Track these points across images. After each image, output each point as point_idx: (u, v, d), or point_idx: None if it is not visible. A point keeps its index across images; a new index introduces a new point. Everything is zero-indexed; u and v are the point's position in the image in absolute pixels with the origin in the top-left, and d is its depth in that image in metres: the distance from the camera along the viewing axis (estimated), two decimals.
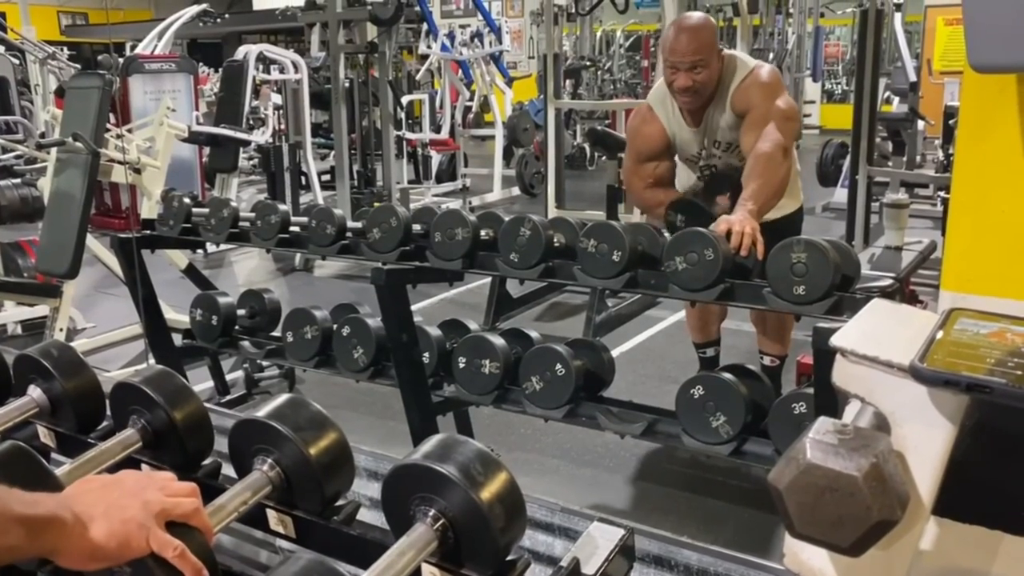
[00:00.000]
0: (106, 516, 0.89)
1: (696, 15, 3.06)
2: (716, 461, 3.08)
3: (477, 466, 1.04)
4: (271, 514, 1.19)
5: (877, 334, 0.88)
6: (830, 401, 0.95)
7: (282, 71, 7.66)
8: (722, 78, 2.93)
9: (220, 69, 8.70)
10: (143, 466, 1.29)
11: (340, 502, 1.19)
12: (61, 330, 4.44)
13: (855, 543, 0.74)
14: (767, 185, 2.70)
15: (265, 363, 3.97)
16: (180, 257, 4.62)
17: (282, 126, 7.77)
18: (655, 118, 3.08)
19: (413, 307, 2.87)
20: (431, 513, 1.04)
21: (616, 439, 2.85)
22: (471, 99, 10.60)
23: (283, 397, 1.23)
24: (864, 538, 0.74)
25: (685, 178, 3.26)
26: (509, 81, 10.82)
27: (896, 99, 8.12)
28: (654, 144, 3.10)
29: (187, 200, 3.37)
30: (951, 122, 6.88)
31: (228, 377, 4.02)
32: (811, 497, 0.75)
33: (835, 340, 0.87)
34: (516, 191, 9.89)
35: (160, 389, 1.27)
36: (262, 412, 1.18)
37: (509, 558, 1.07)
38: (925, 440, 0.82)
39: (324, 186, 8.00)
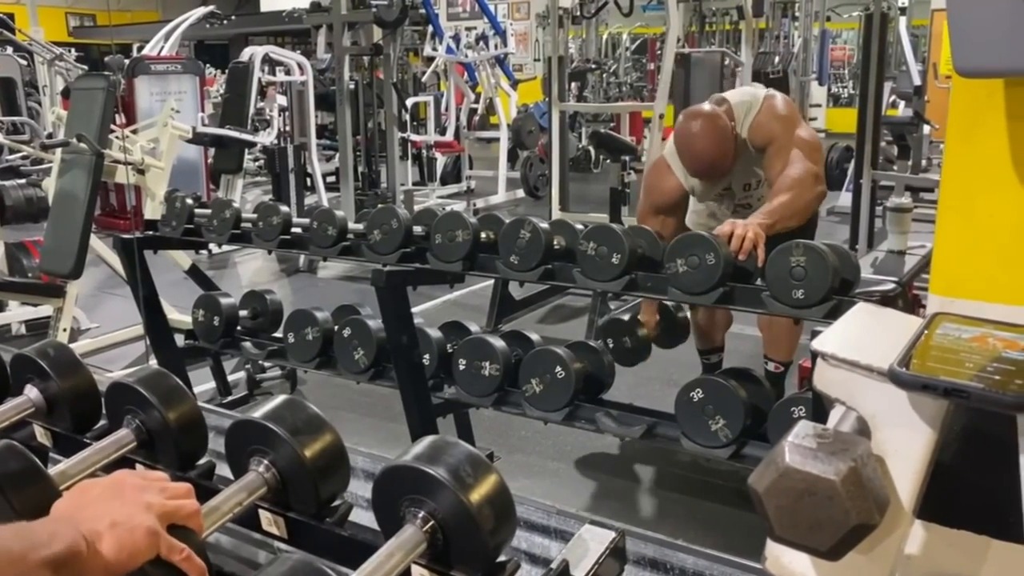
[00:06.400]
0: (113, 529, 0.88)
1: (704, 114, 2.91)
2: (716, 464, 3.08)
3: (467, 468, 1.05)
4: (263, 515, 1.20)
5: (858, 338, 0.88)
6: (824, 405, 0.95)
7: (287, 73, 7.69)
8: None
9: (226, 70, 8.72)
10: (137, 466, 1.30)
11: (335, 503, 1.20)
12: (64, 330, 4.45)
13: (834, 547, 0.74)
14: (790, 205, 2.70)
15: (267, 364, 3.98)
16: (183, 258, 4.63)
17: (287, 128, 7.79)
18: (671, 174, 3.09)
19: (416, 309, 2.88)
20: (421, 515, 1.04)
21: (616, 442, 2.85)
22: (476, 101, 10.61)
23: (280, 398, 1.23)
24: (843, 542, 0.74)
25: (702, 219, 3.28)
26: (514, 84, 10.82)
27: (901, 103, 8.09)
28: (670, 199, 3.13)
29: (189, 201, 3.38)
30: None
31: (230, 378, 4.03)
32: (790, 501, 0.75)
33: (816, 344, 0.87)
34: (521, 193, 9.90)
35: (154, 389, 1.28)
36: (258, 413, 1.18)
37: (500, 560, 1.07)
38: (905, 444, 0.82)
39: (329, 187, 8.03)
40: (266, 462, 1.17)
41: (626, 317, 3.31)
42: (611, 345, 3.17)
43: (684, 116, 3.02)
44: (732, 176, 3.04)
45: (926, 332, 0.86)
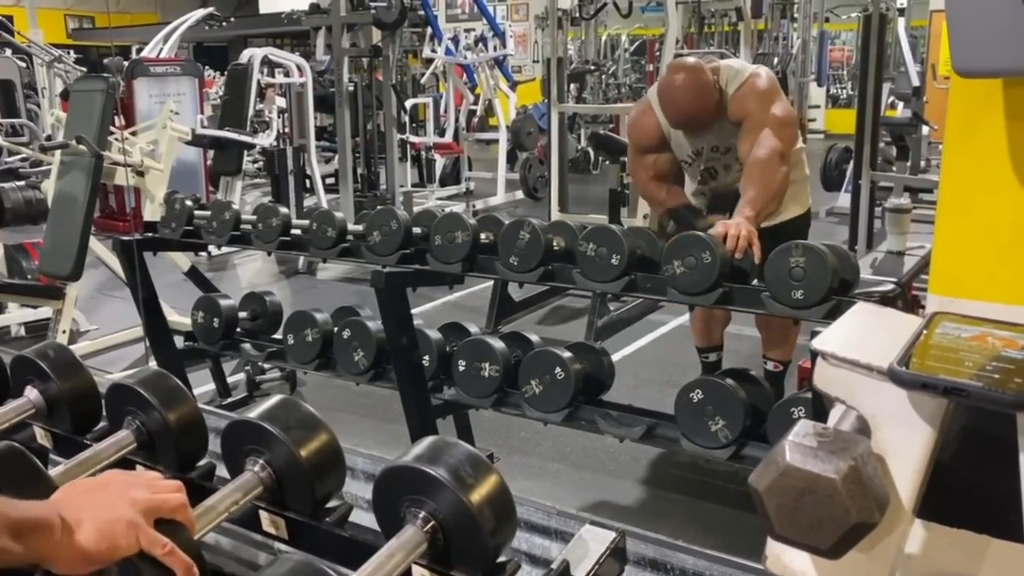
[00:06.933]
0: (94, 519, 0.89)
1: (688, 67, 2.93)
2: (716, 465, 3.08)
3: (467, 468, 1.05)
4: (263, 515, 1.20)
5: (858, 338, 0.88)
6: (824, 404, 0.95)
7: (287, 74, 7.69)
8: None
9: (225, 72, 8.72)
10: (137, 467, 1.30)
11: (334, 503, 1.20)
12: (64, 332, 4.45)
13: (834, 545, 0.74)
14: (764, 191, 2.75)
15: (266, 365, 3.98)
16: (183, 259, 4.63)
17: (286, 129, 7.79)
18: (652, 114, 3.10)
19: (415, 310, 2.87)
20: (421, 515, 1.04)
21: (616, 443, 2.85)
22: (475, 103, 10.61)
23: (275, 398, 1.23)
24: (843, 540, 0.74)
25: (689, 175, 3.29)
26: (513, 85, 10.82)
27: (900, 104, 8.09)
28: (651, 136, 3.13)
29: (189, 203, 3.38)
30: None
31: (230, 380, 4.03)
32: (790, 499, 0.75)
33: (816, 344, 0.87)
34: (520, 195, 9.90)
35: (155, 390, 1.28)
36: (254, 413, 1.19)
37: (500, 560, 1.07)
38: (905, 443, 0.82)
39: (328, 189, 8.03)
40: (262, 462, 1.17)
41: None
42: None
43: (669, 68, 3.06)
44: (709, 134, 3.04)
45: (925, 331, 0.86)
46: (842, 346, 0.87)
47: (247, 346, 3.41)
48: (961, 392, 0.75)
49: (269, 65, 7.84)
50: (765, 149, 2.80)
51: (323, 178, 7.98)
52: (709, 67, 2.93)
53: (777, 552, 0.87)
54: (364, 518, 1.24)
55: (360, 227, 2.93)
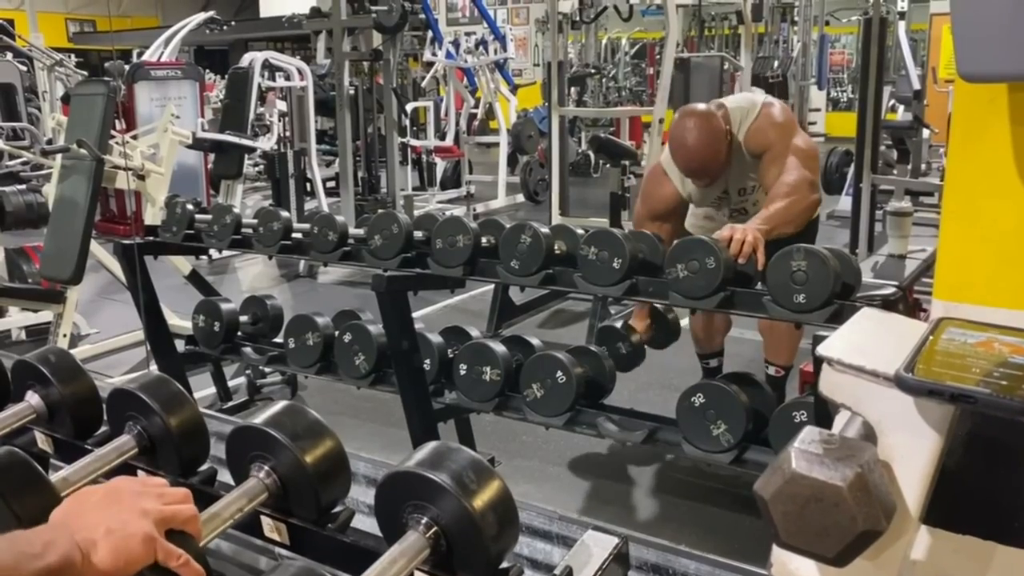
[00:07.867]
0: (108, 536, 0.88)
1: (699, 113, 2.92)
2: (718, 469, 3.07)
3: (470, 474, 1.05)
4: (266, 521, 1.19)
5: (864, 343, 0.88)
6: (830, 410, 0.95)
7: (287, 78, 7.70)
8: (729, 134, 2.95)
9: (226, 76, 8.73)
10: (139, 472, 1.30)
11: (337, 509, 1.20)
12: (65, 336, 4.44)
13: (840, 553, 0.74)
14: (787, 211, 2.72)
15: (267, 369, 3.98)
16: (183, 263, 4.63)
17: (287, 133, 7.80)
18: (668, 181, 3.11)
19: (416, 313, 2.87)
20: (423, 521, 1.04)
21: (617, 447, 2.85)
22: (476, 106, 10.62)
23: (280, 404, 1.23)
24: (849, 548, 0.74)
25: (699, 221, 3.29)
26: (513, 88, 10.84)
27: (901, 107, 8.09)
28: (667, 205, 3.15)
29: (190, 206, 3.38)
30: None
31: (231, 383, 4.02)
32: (796, 507, 0.74)
33: (821, 350, 0.87)
34: (520, 198, 9.90)
35: (156, 396, 1.28)
36: (259, 419, 1.18)
37: (503, 566, 1.07)
38: (911, 450, 0.82)
39: (329, 193, 8.03)
40: (267, 468, 1.17)
41: (618, 324, 3.31)
42: (607, 353, 3.17)
43: (679, 114, 3.04)
44: (728, 180, 3.04)
45: (931, 337, 0.86)
46: (848, 352, 0.86)
47: (248, 350, 3.40)
48: (968, 399, 0.75)
49: (270, 69, 7.84)
50: (794, 175, 2.80)
51: (324, 182, 7.97)
52: (719, 113, 2.93)
53: (783, 559, 0.87)
54: (366, 523, 1.24)
55: (361, 231, 2.93)
